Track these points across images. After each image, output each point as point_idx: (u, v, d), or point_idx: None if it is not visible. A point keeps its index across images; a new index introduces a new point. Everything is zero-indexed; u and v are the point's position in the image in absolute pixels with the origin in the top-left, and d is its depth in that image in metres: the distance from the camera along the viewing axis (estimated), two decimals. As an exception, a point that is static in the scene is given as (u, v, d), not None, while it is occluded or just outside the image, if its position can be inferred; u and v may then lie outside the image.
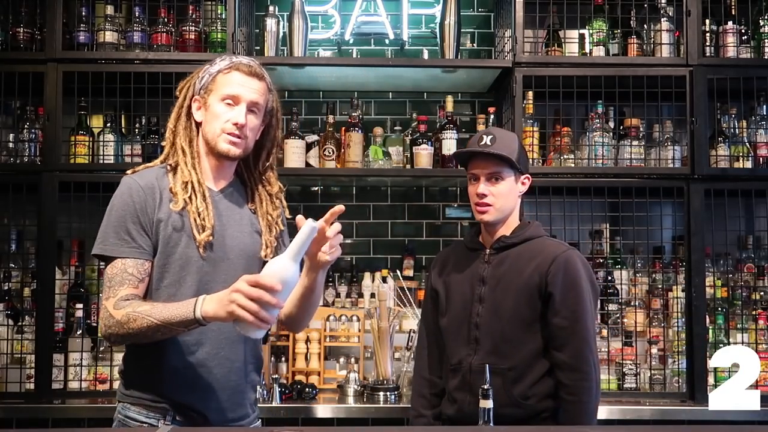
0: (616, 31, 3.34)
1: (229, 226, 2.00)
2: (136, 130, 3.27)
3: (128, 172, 2.01)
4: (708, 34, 3.25)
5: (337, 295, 3.49)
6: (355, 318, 3.30)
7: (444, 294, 2.38)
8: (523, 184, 2.33)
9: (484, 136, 2.28)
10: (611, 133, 3.28)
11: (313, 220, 1.71)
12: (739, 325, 3.17)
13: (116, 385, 2.64)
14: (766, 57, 3.27)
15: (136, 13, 3.23)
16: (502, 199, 2.27)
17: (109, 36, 3.21)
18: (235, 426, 2.01)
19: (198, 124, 2.02)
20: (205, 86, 1.99)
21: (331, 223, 1.82)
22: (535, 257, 2.23)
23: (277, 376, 3.08)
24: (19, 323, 3.10)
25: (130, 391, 1.96)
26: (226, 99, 1.96)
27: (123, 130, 3.31)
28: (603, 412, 2.91)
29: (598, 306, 2.69)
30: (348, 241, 3.65)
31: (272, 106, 2.07)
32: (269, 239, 2.05)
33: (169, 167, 2.01)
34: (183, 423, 1.92)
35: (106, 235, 1.92)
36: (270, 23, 3.35)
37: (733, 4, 3.29)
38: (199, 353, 1.94)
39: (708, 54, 3.23)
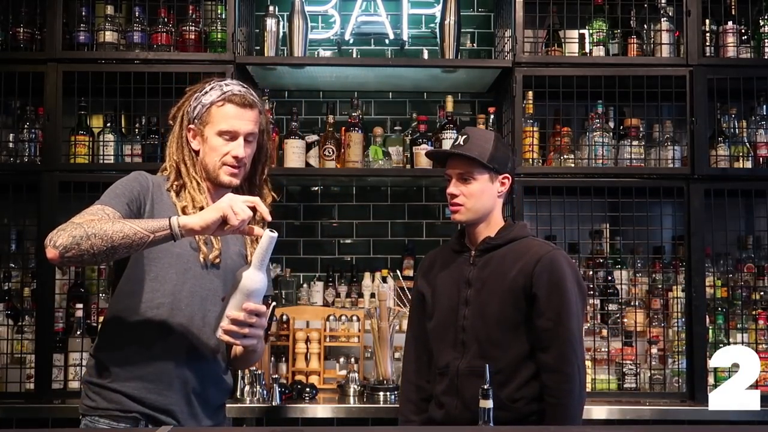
0: (616, 31, 3.34)
1: (223, 241, 2.05)
2: (136, 130, 3.26)
3: None
4: (708, 34, 3.25)
5: (337, 295, 3.49)
6: (355, 318, 3.30)
7: (430, 297, 2.35)
8: (502, 184, 2.29)
9: (460, 137, 2.28)
10: (611, 133, 3.28)
11: (271, 230, 1.81)
12: (739, 325, 3.17)
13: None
14: (766, 57, 3.26)
15: (136, 13, 3.23)
16: (473, 199, 2.25)
17: (109, 36, 3.21)
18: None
19: (196, 152, 2.06)
20: (200, 117, 2.02)
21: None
22: (520, 258, 2.21)
23: (277, 376, 3.08)
24: (19, 323, 3.10)
25: (97, 402, 1.93)
26: (223, 134, 2.00)
27: (123, 130, 3.31)
28: (603, 412, 2.92)
29: (587, 307, 2.67)
30: (348, 241, 3.65)
31: (263, 127, 2.10)
32: (252, 251, 2.06)
33: (174, 187, 2.03)
34: None
35: (101, 196, 1.95)
36: (270, 23, 3.36)
37: (733, 4, 3.28)
38: (167, 360, 1.94)
39: (708, 54, 3.23)
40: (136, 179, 2.00)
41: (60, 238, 1.74)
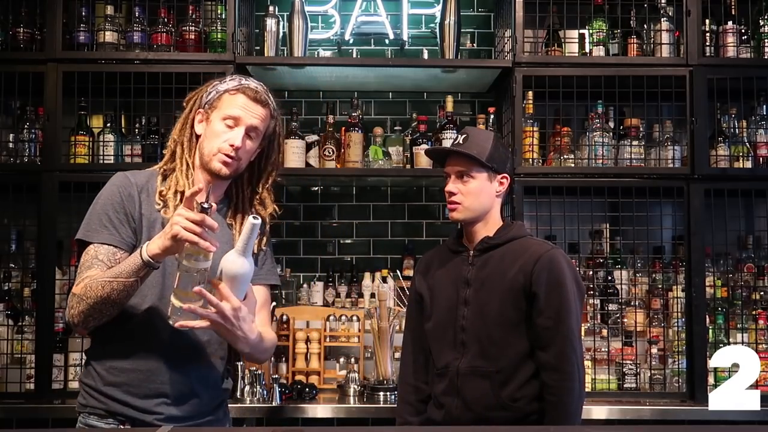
0: (616, 31, 3.34)
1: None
2: (136, 130, 3.26)
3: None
4: (708, 34, 3.25)
5: (337, 295, 3.49)
6: (355, 318, 3.30)
7: (428, 297, 2.35)
8: (500, 183, 2.30)
9: (459, 136, 2.30)
10: (611, 133, 3.28)
11: (254, 216, 1.78)
12: (739, 325, 3.17)
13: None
14: (766, 57, 3.27)
15: (136, 13, 3.23)
16: (471, 197, 2.26)
17: (109, 36, 3.21)
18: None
19: (198, 137, 2.06)
20: (211, 102, 2.04)
21: None
22: (519, 257, 2.22)
23: (277, 376, 3.08)
24: (19, 323, 3.10)
25: (87, 400, 1.95)
26: (227, 119, 2.00)
27: (123, 130, 3.31)
28: (603, 412, 2.92)
29: (584, 305, 2.67)
30: (348, 241, 3.65)
31: (273, 131, 2.10)
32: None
33: (163, 170, 2.05)
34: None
35: (89, 221, 1.96)
36: (270, 23, 3.36)
37: (733, 4, 3.29)
38: (152, 364, 1.94)
39: (708, 54, 3.23)
40: (118, 192, 1.97)
41: (75, 318, 1.88)
